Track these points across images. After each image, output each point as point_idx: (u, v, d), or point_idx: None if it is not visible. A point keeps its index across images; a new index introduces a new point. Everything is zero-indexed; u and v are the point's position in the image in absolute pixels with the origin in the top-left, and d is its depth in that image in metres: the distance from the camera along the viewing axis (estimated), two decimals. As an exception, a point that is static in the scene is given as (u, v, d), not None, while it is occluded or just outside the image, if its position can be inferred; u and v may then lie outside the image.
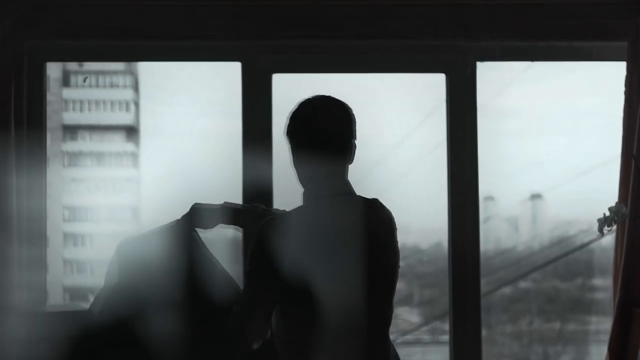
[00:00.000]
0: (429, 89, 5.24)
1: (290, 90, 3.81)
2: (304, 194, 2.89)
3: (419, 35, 3.76)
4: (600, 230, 4.54)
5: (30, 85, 3.64)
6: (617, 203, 5.16)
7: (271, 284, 2.73)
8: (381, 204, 2.92)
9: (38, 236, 3.60)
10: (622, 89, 5.23)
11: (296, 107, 2.95)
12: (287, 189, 3.24)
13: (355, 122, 3.01)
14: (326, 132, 2.92)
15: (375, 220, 2.82)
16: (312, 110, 2.95)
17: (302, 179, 2.85)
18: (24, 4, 3.52)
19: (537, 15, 3.81)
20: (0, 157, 3.41)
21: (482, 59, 4.04)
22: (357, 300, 2.81)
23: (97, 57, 3.88)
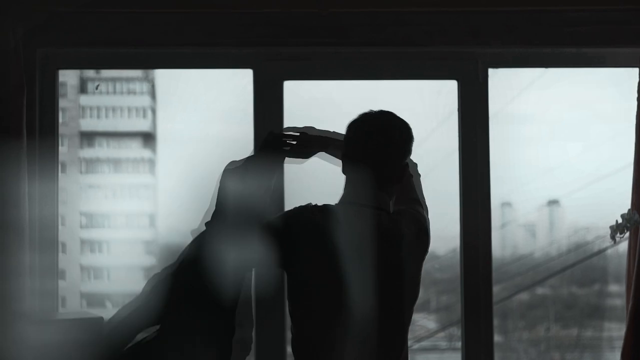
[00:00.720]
0: (444, 95, 5.25)
1: (301, 97, 3.83)
2: (342, 196, 2.91)
3: (429, 41, 3.77)
4: (613, 237, 4.53)
5: (42, 93, 3.66)
6: (629, 210, 5.13)
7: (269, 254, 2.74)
8: (413, 219, 2.88)
9: (50, 243, 3.62)
10: (635, 95, 5.22)
11: (355, 117, 2.98)
12: (298, 196, 3.25)
13: (411, 141, 2.99)
14: (380, 140, 2.93)
15: (396, 234, 2.83)
16: (375, 116, 2.96)
17: (345, 180, 2.88)
18: (36, 12, 3.54)
19: (549, 21, 3.81)
20: (12, 164, 3.43)
21: (494, 66, 4.04)
22: (364, 307, 2.83)
23: (109, 65, 3.91)
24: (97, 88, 19.43)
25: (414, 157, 5.53)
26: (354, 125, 2.88)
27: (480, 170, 3.80)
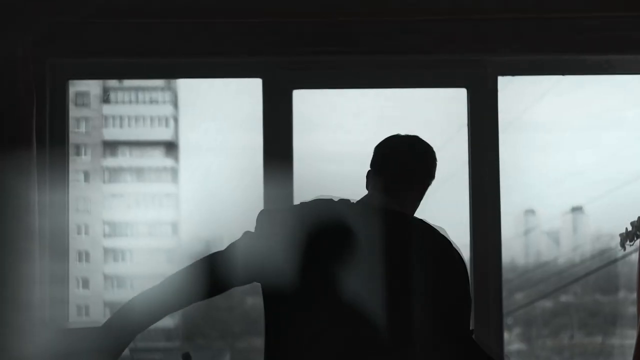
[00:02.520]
0: (462, 103, 5.23)
1: (310, 106, 3.82)
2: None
3: (438, 49, 3.75)
4: (622, 245, 4.48)
5: (52, 103, 3.68)
6: (639, 217, 5.08)
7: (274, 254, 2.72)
8: (434, 233, 2.85)
9: (60, 252, 3.63)
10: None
11: (382, 140, 3.01)
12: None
13: (436, 165, 3.01)
14: (408, 165, 2.95)
15: (422, 243, 2.81)
16: (403, 141, 2.99)
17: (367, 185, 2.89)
18: (46, 22, 3.56)
19: (558, 28, 3.78)
20: (22, 173, 3.45)
21: (503, 73, 4.02)
22: (374, 311, 2.80)
23: (119, 75, 3.92)
24: (107, 98, 19.49)
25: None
26: (385, 150, 2.91)
27: (490, 178, 3.77)
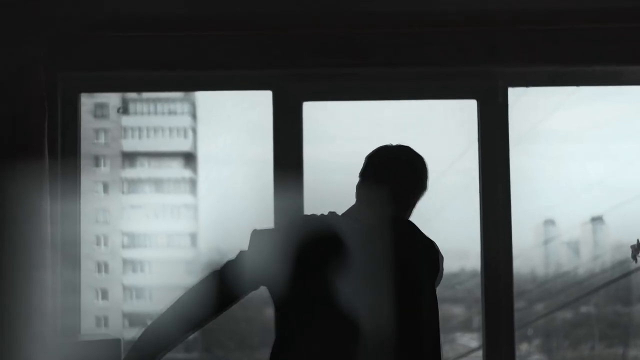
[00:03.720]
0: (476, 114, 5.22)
1: (320, 118, 3.81)
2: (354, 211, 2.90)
3: (448, 61, 3.72)
4: (634, 257, 4.44)
5: (64, 116, 3.69)
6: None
7: (265, 275, 2.71)
8: (425, 241, 2.84)
9: (72, 263, 3.64)
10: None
11: (374, 149, 2.98)
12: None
13: (427, 177, 2.98)
14: (398, 174, 2.93)
15: (409, 253, 2.79)
16: (395, 151, 2.96)
17: (357, 197, 2.90)
18: (57, 36, 3.58)
19: (568, 39, 3.76)
20: (35, 184, 3.46)
21: (514, 85, 3.99)
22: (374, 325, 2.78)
23: (130, 88, 3.92)
24: (118, 111, 19.57)
25: (451, 174, 5.50)
26: (376, 160, 2.88)
27: (501, 189, 3.75)
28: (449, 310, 13.02)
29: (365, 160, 2.88)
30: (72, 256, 3.53)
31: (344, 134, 3.07)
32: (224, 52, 3.57)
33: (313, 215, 2.78)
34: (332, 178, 3.35)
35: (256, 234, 2.75)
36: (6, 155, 3.22)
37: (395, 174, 2.89)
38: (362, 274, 2.68)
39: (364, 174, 2.89)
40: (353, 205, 2.83)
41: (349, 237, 2.70)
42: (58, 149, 3.47)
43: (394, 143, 2.98)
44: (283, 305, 2.75)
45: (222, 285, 2.69)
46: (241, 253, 2.74)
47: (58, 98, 3.49)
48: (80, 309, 3.46)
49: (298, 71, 3.67)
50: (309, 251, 2.70)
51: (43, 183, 3.32)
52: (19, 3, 3.34)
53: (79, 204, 3.51)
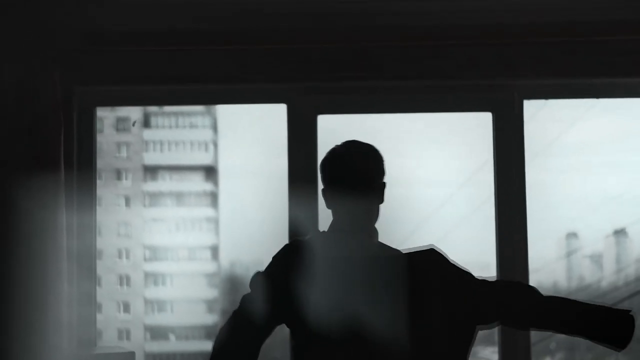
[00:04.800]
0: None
1: (335, 131, 3.80)
2: (330, 225, 2.92)
3: (463, 74, 3.70)
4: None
5: (80, 129, 3.70)
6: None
7: (269, 310, 2.72)
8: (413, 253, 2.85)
9: (88, 275, 3.63)
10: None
11: (326, 154, 3.01)
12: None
13: (383, 161, 3.02)
14: (353, 166, 2.96)
15: (392, 260, 2.80)
16: (342, 146, 3.02)
17: (331, 210, 2.90)
18: (73, 49, 3.59)
19: (584, 51, 3.73)
20: (50, 197, 3.46)
21: (529, 97, 3.97)
22: (365, 338, 2.77)
23: (145, 102, 3.91)
24: (133, 125, 19.66)
25: (469, 187, 5.47)
26: (328, 161, 2.89)
27: (517, 201, 3.73)
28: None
29: (320, 168, 2.87)
30: (88, 268, 3.52)
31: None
32: (238, 65, 3.57)
33: (295, 242, 2.78)
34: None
35: (252, 280, 2.75)
36: (22, 168, 3.23)
37: (352, 167, 2.89)
38: (354, 287, 2.68)
39: (325, 179, 2.87)
40: (333, 220, 2.81)
41: (334, 256, 2.71)
42: (74, 162, 3.47)
43: (340, 143, 2.99)
44: (292, 326, 2.75)
45: (244, 335, 2.70)
46: (243, 300, 2.73)
47: (74, 111, 3.50)
48: (96, 321, 3.46)
49: (312, 84, 3.65)
50: (294, 278, 2.69)
51: (59, 195, 3.32)
52: (36, 17, 3.35)
53: (95, 216, 3.51)
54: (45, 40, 3.44)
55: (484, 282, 2.76)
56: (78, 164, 3.56)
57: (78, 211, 3.53)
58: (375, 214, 2.85)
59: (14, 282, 3.26)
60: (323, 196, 2.81)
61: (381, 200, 2.85)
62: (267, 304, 2.68)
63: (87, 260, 3.55)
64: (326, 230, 2.79)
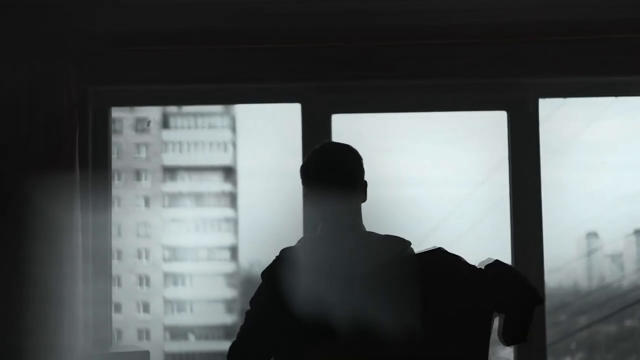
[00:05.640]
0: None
1: (349, 130, 3.79)
2: (319, 227, 2.90)
3: (476, 73, 3.69)
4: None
5: (95, 129, 3.71)
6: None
7: (274, 321, 2.71)
8: (400, 241, 2.83)
9: (103, 275, 3.65)
10: None
11: (305, 159, 3.00)
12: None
13: (362, 161, 3.03)
14: (338, 165, 2.95)
15: (386, 255, 2.78)
16: (322, 148, 3.02)
17: (315, 214, 2.89)
18: (88, 49, 3.61)
19: (600, 50, 3.71)
20: (65, 197, 3.48)
21: (544, 96, 3.95)
22: (368, 335, 2.75)
23: (160, 102, 3.91)
24: (148, 125, 19.70)
25: (486, 187, 5.46)
26: (307, 167, 2.87)
27: (532, 200, 3.72)
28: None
29: (301, 172, 2.83)
30: (104, 268, 3.54)
31: (372, 146, 3.05)
32: (253, 65, 3.57)
33: (286, 251, 2.77)
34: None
35: (250, 306, 2.73)
36: (37, 168, 3.25)
37: (339, 168, 2.87)
38: (349, 290, 2.66)
39: (307, 182, 2.84)
40: (321, 224, 2.79)
41: (325, 261, 2.70)
42: (89, 162, 3.49)
43: (318, 145, 2.96)
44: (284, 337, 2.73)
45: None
46: (246, 318, 2.73)
47: (89, 111, 3.51)
48: (111, 321, 3.47)
49: (327, 84, 3.65)
50: (288, 290, 2.68)
51: (74, 195, 3.33)
52: (51, 17, 3.36)
53: (110, 216, 3.52)
54: (60, 40, 3.46)
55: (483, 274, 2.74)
56: (93, 163, 3.58)
57: (93, 211, 3.55)
58: (360, 212, 2.85)
59: (29, 282, 3.28)
60: (306, 200, 2.79)
61: (364, 199, 2.85)
62: (268, 320, 2.67)
63: (103, 260, 3.57)
64: (317, 234, 2.77)
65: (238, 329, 2.73)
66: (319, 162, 2.80)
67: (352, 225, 2.75)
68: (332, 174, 2.77)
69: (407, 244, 2.75)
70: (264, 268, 2.73)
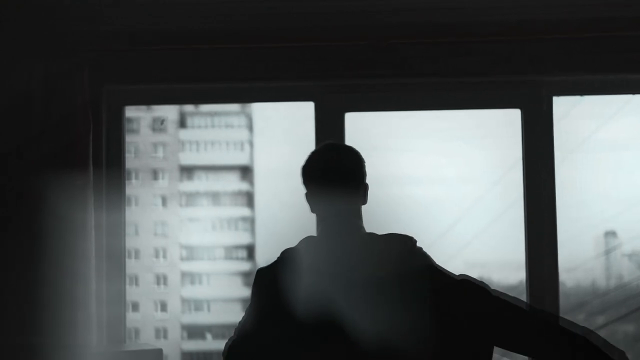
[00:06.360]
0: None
1: (362, 128, 3.78)
2: (317, 228, 2.89)
3: (489, 71, 3.67)
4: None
5: (109, 128, 3.72)
6: None
7: (273, 322, 2.69)
8: (401, 238, 2.80)
9: (117, 274, 3.66)
10: None
11: (307, 158, 2.99)
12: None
13: (364, 162, 3.01)
14: (340, 166, 2.94)
15: (384, 254, 2.76)
16: (323, 149, 3.01)
17: (315, 214, 2.87)
18: (102, 48, 3.62)
19: (613, 48, 3.69)
20: (79, 196, 3.49)
21: (558, 94, 3.93)
22: (370, 337, 2.73)
23: (173, 101, 3.91)
24: (162, 124, 19.66)
25: (502, 186, 5.44)
26: (307, 167, 2.85)
27: (546, 198, 3.69)
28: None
29: (302, 172, 2.80)
30: (118, 267, 3.54)
31: (386, 145, 3.05)
32: (266, 64, 3.57)
33: (287, 252, 2.76)
34: (374, 189, 3.31)
35: (253, 291, 2.71)
36: (51, 167, 3.25)
37: (340, 168, 2.84)
38: (345, 293, 2.64)
39: (310, 182, 2.81)
40: (321, 225, 2.77)
41: (326, 260, 2.68)
42: (103, 161, 3.50)
43: (320, 146, 2.94)
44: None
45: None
46: (247, 315, 2.69)
47: (103, 110, 3.52)
48: (125, 319, 3.47)
49: (340, 82, 3.65)
50: (279, 292, 2.66)
51: (88, 195, 3.33)
52: (65, 16, 3.37)
53: (124, 215, 3.52)
54: (74, 40, 3.46)
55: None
56: (107, 162, 3.58)
57: (107, 210, 3.55)
58: (360, 214, 2.83)
59: (43, 280, 3.29)
60: (308, 200, 2.78)
61: (365, 201, 2.83)
62: (267, 321, 2.65)
63: (117, 259, 3.58)
64: (317, 235, 2.75)
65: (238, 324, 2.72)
66: (319, 162, 2.78)
67: (353, 227, 2.73)
68: (332, 175, 2.74)
69: (409, 243, 2.72)
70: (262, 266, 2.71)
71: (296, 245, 2.69)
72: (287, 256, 2.70)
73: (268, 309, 2.65)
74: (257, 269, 2.64)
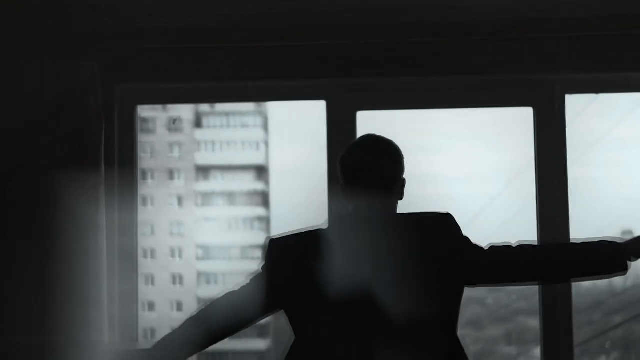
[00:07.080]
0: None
1: (375, 127, 3.79)
2: (351, 214, 2.93)
3: (502, 69, 3.67)
4: None
5: (121, 128, 3.73)
6: None
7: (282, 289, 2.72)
8: (429, 216, 2.85)
9: (130, 273, 3.68)
10: None
11: (346, 149, 3.02)
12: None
13: (402, 157, 3.02)
14: (373, 163, 2.95)
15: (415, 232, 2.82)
16: (361, 142, 3.03)
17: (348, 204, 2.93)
18: (114, 48, 3.63)
19: (626, 45, 3.68)
20: (91, 195, 3.51)
21: (571, 92, 3.91)
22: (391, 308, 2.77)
23: (185, 100, 3.93)
24: (174, 123, 19.75)
25: (519, 184, 5.42)
26: (346, 162, 2.88)
27: (559, 195, 3.67)
28: (525, 323, 12.81)
29: (340, 163, 2.84)
30: (130, 266, 3.56)
31: (397, 143, 3.04)
32: (277, 63, 3.58)
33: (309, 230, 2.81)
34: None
35: (272, 246, 2.76)
36: (63, 166, 3.27)
37: (375, 161, 2.87)
38: (359, 264, 2.67)
39: (346, 175, 2.85)
40: (353, 207, 2.81)
41: (337, 234, 2.72)
42: (115, 161, 3.51)
43: (359, 138, 2.97)
44: (292, 309, 2.74)
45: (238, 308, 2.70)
46: (253, 278, 2.73)
47: (115, 110, 3.53)
48: (138, 318, 3.50)
49: (352, 81, 3.65)
50: (299, 258, 2.70)
51: (99, 194, 3.35)
52: (77, 16, 3.39)
53: (137, 214, 3.54)
54: (86, 39, 3.48)
55: (481, 252, 2.75)
56: (119, 162, 3.60)
57: (120, 209, 3.56)
58: (394, 209, 2.84)
59: (56, 279, 3.31)
60: (342, 192, 2.81)
61: (401, 197, 2.84)
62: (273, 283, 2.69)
63: (130, 258, 3.59)
64: (348, 214, 2.80)
65: (264, 321, 2.74)
66: (355, 160, 2.81)
67: (380, 216, 2.76)
68: (367, 176, 2.78)
69: (444, 217, 2.75)
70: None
71: (322, 225, 2.74)
72: (309, 231, 2.74)
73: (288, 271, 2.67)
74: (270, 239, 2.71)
